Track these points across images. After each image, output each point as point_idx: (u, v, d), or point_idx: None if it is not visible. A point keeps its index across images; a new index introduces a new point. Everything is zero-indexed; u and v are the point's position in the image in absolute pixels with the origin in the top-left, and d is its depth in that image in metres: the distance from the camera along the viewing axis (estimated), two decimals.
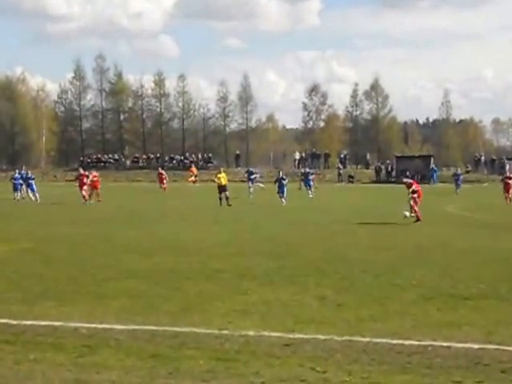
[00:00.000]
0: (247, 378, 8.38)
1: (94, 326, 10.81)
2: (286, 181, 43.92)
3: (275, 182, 43.67)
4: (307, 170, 55.60)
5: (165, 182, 58.03)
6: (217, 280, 15.03)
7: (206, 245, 21.31)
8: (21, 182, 46.37)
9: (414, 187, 28.97)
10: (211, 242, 21.95)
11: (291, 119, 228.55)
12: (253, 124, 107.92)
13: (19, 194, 44.17)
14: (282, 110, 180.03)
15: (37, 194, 45.24)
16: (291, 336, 10.18)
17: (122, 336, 10.20)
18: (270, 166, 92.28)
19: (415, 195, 28.62)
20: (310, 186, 51.16)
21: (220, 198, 39.21)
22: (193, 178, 63.08)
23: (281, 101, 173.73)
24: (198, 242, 21.97)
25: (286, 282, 14.78)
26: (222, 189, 39.60)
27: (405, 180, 30.80)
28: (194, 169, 68.35)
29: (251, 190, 49.89)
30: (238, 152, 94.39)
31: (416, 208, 28.40)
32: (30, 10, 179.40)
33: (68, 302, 12.71)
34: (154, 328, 10.62)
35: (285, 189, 42.52)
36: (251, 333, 10.31)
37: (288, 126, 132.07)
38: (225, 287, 14.19)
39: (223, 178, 40.16)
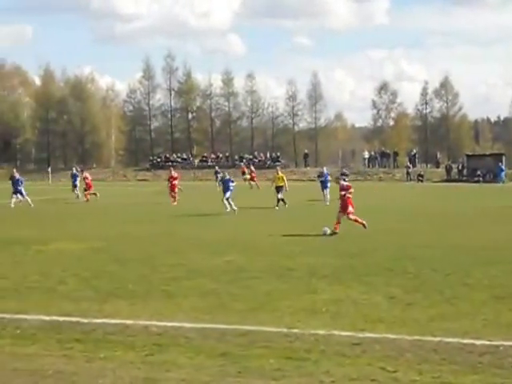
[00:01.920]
0: (317, 377, 8.34)
1: (164, 324, 10.88)
2: (329, 178, 41.04)
3: (318, 176, 42.08)
4: (344, 170, 50.48)
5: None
6: (286, 278, 15.01)
7: (275, 243, 21.32)
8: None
9: (343, 192, 24.63)
10: (280, 241, 21.94)
11: (360, 118, 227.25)
12: (322, 123, 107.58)
13: (19, 197, 41.91)
14: (351, 108, 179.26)
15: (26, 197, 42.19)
16: (361, 335, 10.11)
17: (191, 334, 10.25)
18: (339, 165, 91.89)
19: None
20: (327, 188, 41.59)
21: (278, 199, 37.39)
22: (247, 177, 63.00)
23: (349, 99, 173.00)
24: (267, 241, 21.98)
25: (356, 281, 14.68)
26: (277, 189, 38.11)
27: (341, 183, 25.41)
28: (245, 168, 68.06)
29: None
30: (306, 151, 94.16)
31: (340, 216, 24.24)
32: (98, 10, 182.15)
33: (138, 301, 12.83)
34: (224, 326, 10.65)
35: (328, 185, 40.29)
36: (321, 332, 10.26)
37: (357, 125, 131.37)
38: (294, 286, 14.16)
39: (280, 179, 38.54)
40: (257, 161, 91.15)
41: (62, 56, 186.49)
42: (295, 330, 10.38)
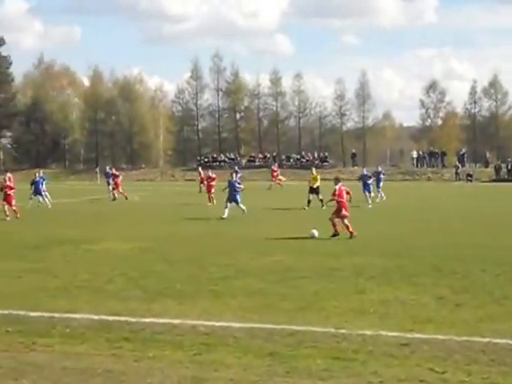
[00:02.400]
0: (365, 377, 8.31)
1: (211, 323, 10.91)
2: (372, 179, 40.08)
3: (359, 179, 40.27)
4: (379, 169, 45.88)
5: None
6: (333, 278, 14.98)
7: (320, 243, 21.28)
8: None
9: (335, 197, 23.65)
10: (326, 241, 21.89)
11: (408, 117, 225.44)
12: (370, 122, 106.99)
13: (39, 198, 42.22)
14: (399, 107, 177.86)
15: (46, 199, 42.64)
16: (409, 336, 10.04)
17: (239, 334, 10.27)
18: (387, 165, 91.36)
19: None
20: (369, 191, 39.32)
21: (309, 200, 36.22)
22: (281, 178, 62.76)
23: (398, 98, 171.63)
24: (312, 241, 21.94)
25: (404, 281, 14.59)
26: (312, 190, 37.02)
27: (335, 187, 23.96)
28: (275, 168, 67.73)
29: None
30: (354, 151, 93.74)
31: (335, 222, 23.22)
32: (146, 11, 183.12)
33: (186, 300, 12.89)
34: (272, 326, 10.65)
35: (371, 187, 38.94)
36: (368, 332, 10.22)
37: (405, 124, 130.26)
38: (342, 286, 14.13)
39: (315, 179, 37.67)
40: (304, 161, 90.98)
41: (111, 57, 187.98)
42: (343, 331, 10.35)
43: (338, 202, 23.42)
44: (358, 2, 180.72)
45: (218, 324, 10.90)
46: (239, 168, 68.77)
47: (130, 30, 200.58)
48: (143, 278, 15.37)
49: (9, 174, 34.51)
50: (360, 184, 39.03)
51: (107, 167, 53.11)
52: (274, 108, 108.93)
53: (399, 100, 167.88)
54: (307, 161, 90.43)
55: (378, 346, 9.58)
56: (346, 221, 22.99)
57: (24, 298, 13.19)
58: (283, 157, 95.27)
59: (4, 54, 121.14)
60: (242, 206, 31.29)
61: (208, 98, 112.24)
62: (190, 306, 12.35)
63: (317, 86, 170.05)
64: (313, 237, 22.54)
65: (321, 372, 8.49)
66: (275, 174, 60.63)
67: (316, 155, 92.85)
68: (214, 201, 41.00)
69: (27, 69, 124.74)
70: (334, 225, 23.02)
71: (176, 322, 11.08)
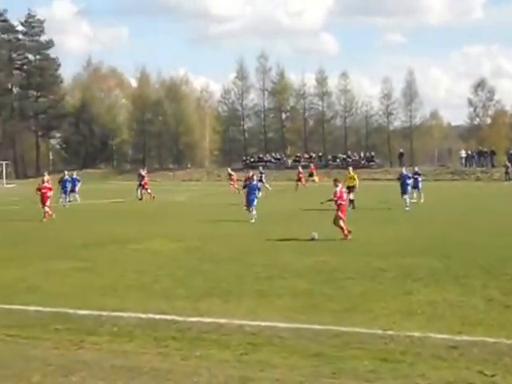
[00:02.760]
0: (413, 379, 8.24)
1: (257, 323, 10.91)
2: (411, 180, 38.13)
3: (398, 179, 38.26)
4: (415, 169, 44.75)
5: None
6: (381, 279, 14.89)
7: (368, 244, 21.16)
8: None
9: (336, 198, 23.42)
10: (374, 241, 21.77)
11: (456, 116, 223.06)
12: (417, 121, 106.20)
13: (67, 197, 43.07)
14: (446, 106, 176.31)
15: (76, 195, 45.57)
16: (458, 338, 9.93)
17: (285, 334, 10.25)
18: (435, 165, 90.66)
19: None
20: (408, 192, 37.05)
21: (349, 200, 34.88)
22: (315, 178, 62.43)
23: (445, 97, 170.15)
24: (360, 241, 21.84)
25: (452, 282, 14.45)
26: (348, 189, 34.85)
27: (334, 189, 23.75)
28: (301, 169, 67.15)
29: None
30: (401, 150, 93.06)
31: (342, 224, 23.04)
32: (192, 12, 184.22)
33: (232, 300, 12.91)
34: (318, 327, 10.61)
35: (408, 188, 36.91)
36: (416, 334, 10.13)
37: (453, 123, 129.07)
38: (389, 287, 14.03)
39: (352, 178, 37.32)
40: (350, 160, 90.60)
41: (157, 57, 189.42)
42: (390, 332, 10.28)
43: (338, 205, 23.29)
44: (403, 0, 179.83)
45: (263, 324, 10.89)
46: (285, 167, 68.89)
47: (175, 31, 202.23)
48: (189, 278, 15.44)
49: (46, 177, 35.05)
50: (398, 184, 37.43)
51: (140, 169, 53.35)
52: (320, 107, 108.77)
53: (447, 99, 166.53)
54: (353, 160, 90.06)
55: (426, 347, 9.49)
56: (341, 222, 22.92)
57: (73, 297, 13.33)
58: (329, 157, 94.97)
59: (53, 55, 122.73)
60: (254, 211, 30.12)
61: (253, 98, 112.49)
62: (235, 306, 12.37)
63: (362, 85, 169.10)
64: (313, 239, 22.32)
65: (367, 373, 8.44)
66: (301, 175, 60.57)
67: (362, 155, 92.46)
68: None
69: (76, 70, 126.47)
70: (341, 227, 22.88)
71: (222, 321, 11.10)
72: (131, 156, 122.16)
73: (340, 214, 23.08)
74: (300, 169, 63.49)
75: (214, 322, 11.09)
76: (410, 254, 18.81)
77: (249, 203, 30.44)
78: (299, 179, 59.38)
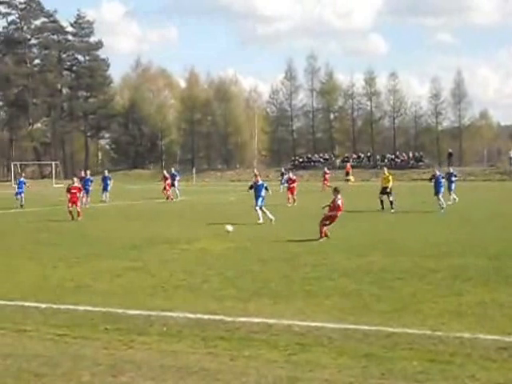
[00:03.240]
0: (462, 380, 8.16)
1: (306, 324, 10.90)
2: (443, 180, 37.38)
3: (430, 179, 37.34)
4: (451, 170, 44.30)
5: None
6: (430, 280, 14.78)
7: (417, 244, 21.04)
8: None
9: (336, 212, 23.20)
10: (423, 242, 21.63)
11: (506, 116, 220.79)
12: (466, 121, 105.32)
13: (89, 199, 43.85)
14: (496, 106, 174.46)
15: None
16: (508, 339, 9.82)
17: (334, 335, 10.23)
18: (484, 165, 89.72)
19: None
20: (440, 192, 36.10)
21: (381, 201, 35.62)
22: (351, 178, 62.24)
23: (494, 97, 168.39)
24: (409, 241, 21.72)
25: (502, 283, 14.29)
26: (384, 191, 35.93)
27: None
28: (350, 168, 66.76)
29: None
30: (450, 150, 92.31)
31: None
32: (241, 12, 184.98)
33: (281, 300, 12.91)
34: (367, 328, 10.57)
35: (441, 189, 35.90)
36: (466, 335, 10.04)
37: (502, 123, 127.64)
38: (438, 287, 13.93)
39: (386, 179, 36.41)
40: (399, 161, 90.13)
41: (206, 58, 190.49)
42: (439, 333, 10.20)
43: (333, 216, 23.08)
44: (452, 0, 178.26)
45: (312, 324, 10.87)
46: (330, 168, 68.60)
47: (224, 31, 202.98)
48: (238, 278, 15.47)
49: (76, 179, 36.06)
50: (431, 184, 36.48)
51: (172, 169, 53.71)
52: (369, 108, 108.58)
53: (496, 98, 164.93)
54: (402, 161, 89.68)
55: (476, 349, 9.40)
56: (324, 227, 22.66)
57: (123, 296, 13.44)
58: (378, 157, 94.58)
59: (102, 56, 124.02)
60: (259, 211, 29.75)
61: (302, 98, 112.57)
62: (284, 306, 12.38)
63: (411, 84, 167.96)
64: (228, 231, 23.21)
65: (417, 374, 8.38)
66: (327, 176, 60.55)
67: (411, 155, 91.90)
68: (291, 204, 41.26)
69: (124, 71, 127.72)
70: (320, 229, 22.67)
71: (271, 321, 11.11)
72: (180, 156, 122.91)
73: (327, 220, 22.84)
74: (326, 169, 63.47)
75: (263, 322, 11.10)
76: (460, 254, 18.64)
77: (258, 202, 29.98)
78: (325, 180, 59.37)
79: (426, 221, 29.66)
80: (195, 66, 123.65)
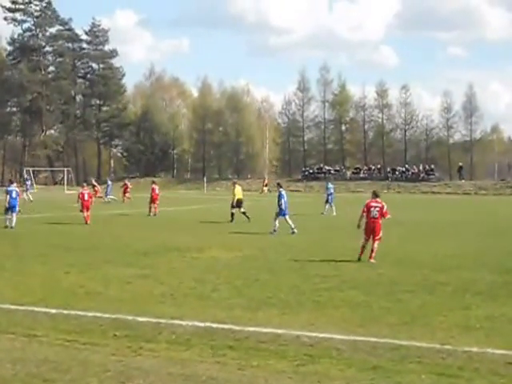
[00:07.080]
0: None
1: (315, 334, 10.89)
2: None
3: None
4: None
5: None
6: (439, 293, 14.77)
7: (427, 257, 21.01)
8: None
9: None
10: (433, 255, 21.61)
11: None
12: (477, 135, 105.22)
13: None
14: (507, 120, 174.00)
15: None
16: None
17: (343, 346, 10.23)
18: (495, 179, 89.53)
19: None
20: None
21: (231, 214, 35.93)
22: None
23: (506, 111, 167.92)
24: (419, 255, 21.70)
25: (511, 297, 14.29)
26: (237, 204, 36.17)
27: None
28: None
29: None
30: (461, 164, 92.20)
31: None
32: (253, 23, 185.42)
33: (290, 310, 12.92)
34: (375, 340, 10.57)
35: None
36: (474, 349, 10.03)
37: None
38: (447, 301, 13.92)
39: (238, 192, 36.84)
40: (410, 173, 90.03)
41: (218, 68, 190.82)
42: (448, 346, 10.19)
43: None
44: (463, 15, 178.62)
45: (321, 335, 10.87)
46: (344, 179, 68.47)
47: (236, 42, 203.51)
48: (247, 287, 15.49)
49: (86, 186, 37.36)
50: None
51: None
52: (380, 120, 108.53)
53: (507, 113, 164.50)
54: (413, 174, 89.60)
55: (484, 363, 9.39)
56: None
57: (132, 304, 13.47)
58: (388, 169, 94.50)
59: (117, 65, 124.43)
60: (277, 223, 29.55)
61: (314, 110, 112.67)
62: (293, 316, 12.38)
63: (422, 97, 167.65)
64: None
65: None
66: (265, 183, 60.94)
67: (422, 168, 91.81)
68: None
69: (136, 80, 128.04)
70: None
71: (280, 331, 11.11)
72: (191, 165, 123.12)
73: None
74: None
75: (272, 332, 11.10)
76: (469, 267, 18.62)
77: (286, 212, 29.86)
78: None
79: (437, 234, 29.60)
80: (208, 75, 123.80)
